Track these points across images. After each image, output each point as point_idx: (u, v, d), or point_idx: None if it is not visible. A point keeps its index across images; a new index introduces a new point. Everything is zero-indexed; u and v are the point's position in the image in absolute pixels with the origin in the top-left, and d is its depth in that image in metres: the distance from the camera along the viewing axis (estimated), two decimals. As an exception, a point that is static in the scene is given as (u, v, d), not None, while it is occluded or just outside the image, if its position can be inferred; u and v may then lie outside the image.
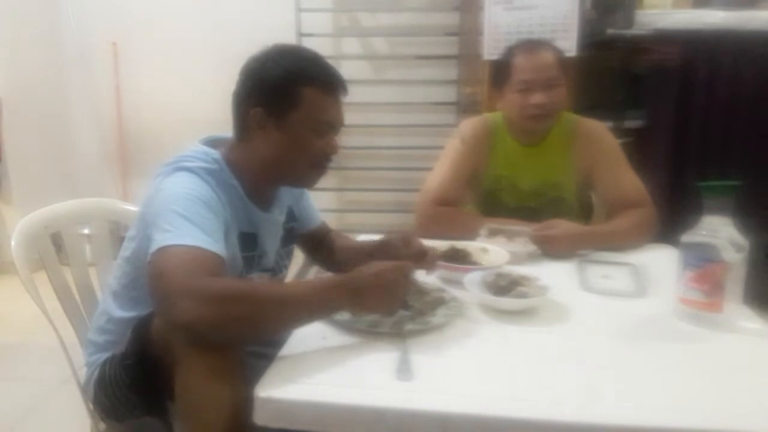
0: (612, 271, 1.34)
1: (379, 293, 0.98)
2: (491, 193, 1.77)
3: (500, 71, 1.70)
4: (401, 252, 1.23)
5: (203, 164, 1.11)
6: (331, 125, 1.16)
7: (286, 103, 1.12)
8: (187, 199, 1.03)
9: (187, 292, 0.88)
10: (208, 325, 0.87)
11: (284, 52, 1.15)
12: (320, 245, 1.47)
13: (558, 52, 1.68)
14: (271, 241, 1.26)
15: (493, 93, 1.78)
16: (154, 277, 0.93)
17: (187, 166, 1.10)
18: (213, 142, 1.20)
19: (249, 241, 1.19)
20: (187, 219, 0.99)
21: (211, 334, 0.89)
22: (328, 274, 1.42)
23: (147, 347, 1.01)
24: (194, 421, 0.91)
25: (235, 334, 0.91)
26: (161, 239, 0.96)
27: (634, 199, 1.62)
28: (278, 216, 1.28)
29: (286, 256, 1.35)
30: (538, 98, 1.61)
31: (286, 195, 1.32)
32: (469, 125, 1.80)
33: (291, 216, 1.36)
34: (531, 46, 1.68)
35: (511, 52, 1.69)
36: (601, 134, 1.73)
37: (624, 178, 1.67)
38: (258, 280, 1.20)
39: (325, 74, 1.14)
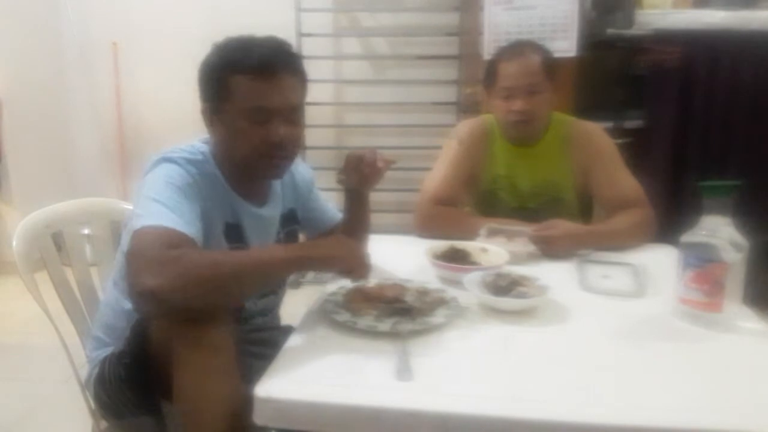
0: (612, 271, 1.34)
1: (339, 244, 1.10)
2: (490, 193, 1.77)
3: (488, 75, 1.71)
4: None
5: (186, 155, 1.13)
6: (264, 110, 1.11)
7: (219, 95, 1.12)
8: (161, 185, 1.06)
9: (148, 264, 0.90)
10: (170, 290, 0.88)
11: (219, 45, 1.14)
12: None
13: (546, 54, 1.68)
14: (259, 237, 1.24)
15: (484, 95, 1.80)
16: (127, 261, 0.96)
17: (169, 157, 1.12)
18: (208, 139, 1.22)
19: (234, 232, 1.19)
20: (158, 202, 1.02)
21: (175, 300, 0.89)
22: None
23: (145, 346, 1.02)
24: (192, 419, 0.92)
25: (199, 297, 0.91)
26: (134, 224, 1.00)
27: (631, 199, 1.63)
28: (271, 212, 1.26)
29: None
30: (517, 105, 1.63)
31: (286, 195, 1.32)
32: (465, 126, 1.82)
33: (292, 218, 1.35)
34: (516, 50, 1.68)
35: (497, 56, 1.71)
36: (596, 136, 1.75)
37: (620, 179, 1.67)
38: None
39: (251, 59, 1.09)
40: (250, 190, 1.21)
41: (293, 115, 1.14)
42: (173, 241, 0.96)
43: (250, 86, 1.10)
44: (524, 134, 1.71)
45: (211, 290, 0.93)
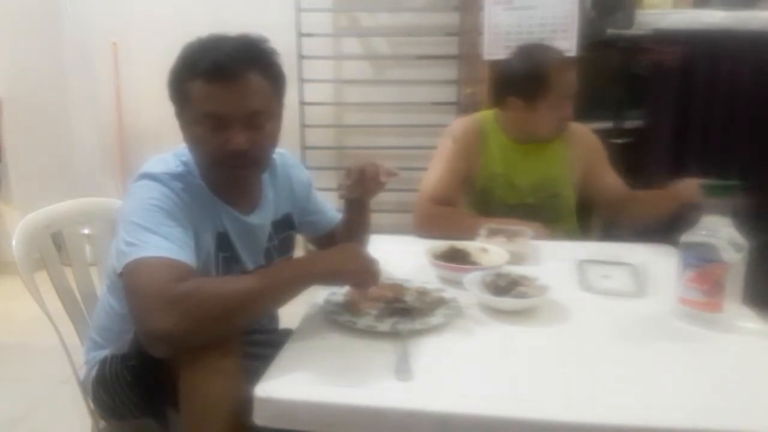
0: (612, 271, 1.34)
1: (346, 255, 1.06)
2: (486, 191, 1.77)
3: (535, 84, 1.64)
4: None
5: (168, 169, 1.11)
6: (219, 117, 1.05)
7: (180, 100, 1.09)
8: (146, 209, 1.03)
9: (156, 305, 0.89)
10: (184, 332, 0.88)
11: (185, 46, 1.10)
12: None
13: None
14: (247, 246, 1.21)
15: (517, 103, 1.68)
16: (129, 295, 0.95)
17: (150, 173, 1.09)
18: None
19: (225, 241, 1.18)
20: (149, 230, 0.99)
21: (189, 340, 0.90)
22: None
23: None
24: (198, 419, 0.91)
25: (213, 332, 0.91)
26: (129, 252, 0.97)
27: (624, 196, 1.72)
28: (260, 220, 1.23)
29: None
30: (568, 110, 1.67)
31: (281, 200, 1.29)
32: (459, 124, 1.83)
33: (287, 224, 1.32)
34: (564, 57, 1.73)
35: (547, 64, 1.65)
36: (591, 136, 1.81)
37: (613, 178, 1.75)
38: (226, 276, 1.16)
39: (205, 63, 1.04)
40: (237, 196, 1.18)
41: (255, 120, 1.07)
42: (173, 273, 0.94)
43: (204, 91, 1.05)
44: (558, 135, 1.74)
45: (223, 323, 0.92)
